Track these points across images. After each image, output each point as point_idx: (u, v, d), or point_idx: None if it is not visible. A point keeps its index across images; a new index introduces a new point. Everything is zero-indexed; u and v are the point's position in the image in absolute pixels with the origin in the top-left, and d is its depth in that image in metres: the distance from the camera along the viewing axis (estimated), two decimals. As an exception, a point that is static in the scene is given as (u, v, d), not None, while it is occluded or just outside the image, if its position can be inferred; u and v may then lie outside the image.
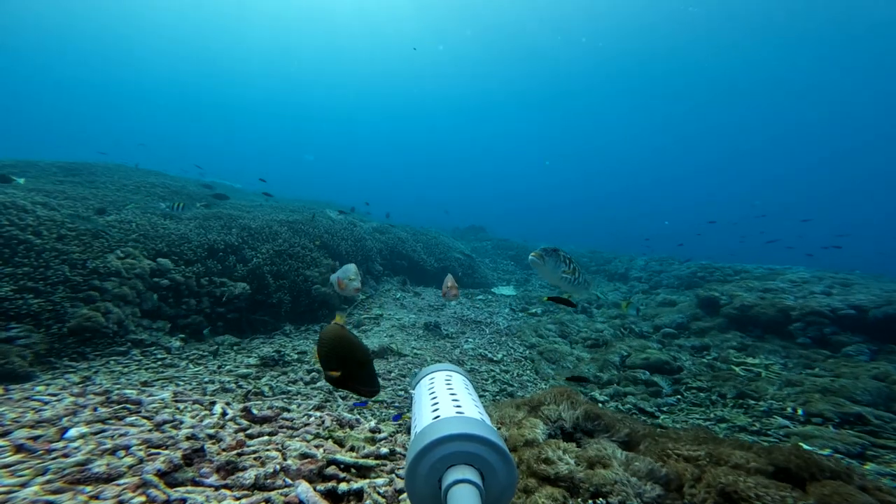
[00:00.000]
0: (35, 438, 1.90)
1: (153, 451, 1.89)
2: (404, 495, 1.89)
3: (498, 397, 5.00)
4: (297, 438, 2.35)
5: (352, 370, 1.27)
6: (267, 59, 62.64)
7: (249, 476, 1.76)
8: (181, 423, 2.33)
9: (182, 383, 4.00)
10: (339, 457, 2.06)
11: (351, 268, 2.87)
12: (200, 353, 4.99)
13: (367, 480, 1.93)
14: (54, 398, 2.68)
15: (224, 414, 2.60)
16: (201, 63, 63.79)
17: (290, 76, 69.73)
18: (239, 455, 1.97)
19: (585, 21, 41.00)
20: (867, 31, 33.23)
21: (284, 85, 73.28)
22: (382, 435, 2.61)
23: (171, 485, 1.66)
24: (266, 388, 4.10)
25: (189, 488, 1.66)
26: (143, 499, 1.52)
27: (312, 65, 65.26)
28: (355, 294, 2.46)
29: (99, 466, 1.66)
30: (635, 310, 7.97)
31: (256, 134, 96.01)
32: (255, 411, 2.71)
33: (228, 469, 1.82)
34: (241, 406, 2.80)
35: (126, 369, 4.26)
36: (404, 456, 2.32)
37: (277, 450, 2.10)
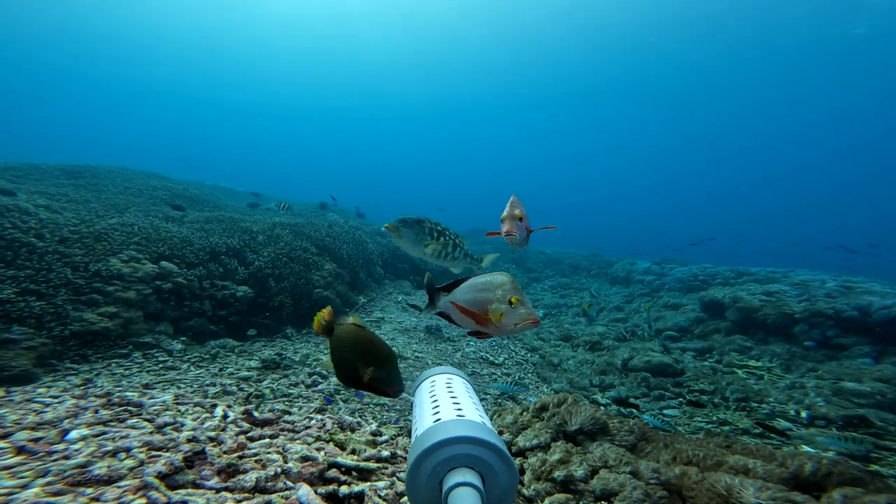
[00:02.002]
0: (36, 440, 1.90)
1: (154, 453, 1.88)
2: (405, 498, 1.88)
3: (499, 400, 4.99)
4: (298, 441, 2.34)
5: (384, 371, 1.22)
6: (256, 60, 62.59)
7: (250, 479, 1.76)
8: (182, 425, 2.33)
9: (183, 386, 3.99)
10: (340, 460, 2.05)
11: (505, 282, 1.31)
12: (202, 355, 5.00)
13: (368, 483, 1.93)
14: (56, 400, 2.68)
15: (225, 416, 2.59)
16: (193, 62, 64.04)
17: (270, 76, 69.58)
18: (240, 458, 1.96)
19: (592, 23, 41.17)
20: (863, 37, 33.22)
21: (279, 85, 73.37)
22: (384, 438, 2.60)
23: (172, 487, 1.66)
24: (267, 391, 4.09)
25: (190, 490, 1.65)
26: (143, 501, 1.51)
27: (292, 65, 64.92)
28: (532, 327, 1.24)
29: (100, 468, 1.66)
30: (647, 323, 8.01)
31: (248, 134, 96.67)
32: (256, 414, 2.70)
33: (229, 471, 1.82)
34: (242, 409, 2.80)
35: (127, 372, 4.27)
36: (405, 459, 2.31)
37: (278, 452, 2.09)
